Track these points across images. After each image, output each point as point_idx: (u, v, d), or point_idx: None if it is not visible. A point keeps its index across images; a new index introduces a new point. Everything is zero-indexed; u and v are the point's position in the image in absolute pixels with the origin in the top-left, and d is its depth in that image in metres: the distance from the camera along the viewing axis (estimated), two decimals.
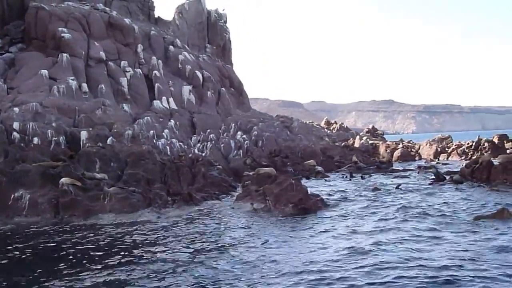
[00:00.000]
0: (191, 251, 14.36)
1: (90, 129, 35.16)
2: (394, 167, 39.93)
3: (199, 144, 44.57)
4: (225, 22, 70.51)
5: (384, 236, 15.62)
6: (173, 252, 14.37)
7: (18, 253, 14.94)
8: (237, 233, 16.85)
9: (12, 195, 20.32)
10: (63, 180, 21.12)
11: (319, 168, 35.78)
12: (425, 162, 46.69)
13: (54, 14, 47.38)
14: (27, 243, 16.16)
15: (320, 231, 16.93)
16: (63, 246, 15.32)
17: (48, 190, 21.02)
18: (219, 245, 15.09)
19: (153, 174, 28.29)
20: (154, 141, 36.94)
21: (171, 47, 56.33)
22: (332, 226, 17.79)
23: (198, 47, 65.24)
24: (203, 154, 40.09)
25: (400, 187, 27.47)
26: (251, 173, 31.54)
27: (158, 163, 29.29)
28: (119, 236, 16.76)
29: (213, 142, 44.29)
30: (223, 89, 58.60)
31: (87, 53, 47.13)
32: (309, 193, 21.69)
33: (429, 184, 28.54)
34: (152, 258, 13.70)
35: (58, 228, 18.38)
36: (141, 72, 50.28)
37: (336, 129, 73.96)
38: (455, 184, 27.37)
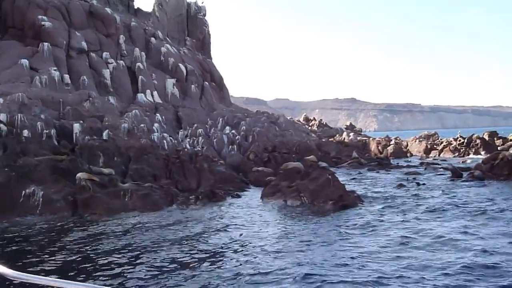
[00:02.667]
0: (261, 257, 12.44)
1: (81, 121, 33.06)
2: (395, 164, 38.97)
3: (188, 139, 42.87)
4: (204, 15, 68.60)
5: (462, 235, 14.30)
6: (241, 262, 12.10)
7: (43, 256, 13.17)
8: (290, 233, 15.08)
9: (23, 192, 18.05)
10: (80, 175, 19.06)
11: (324, 164, 34.38)
12: (419, 159, 46.09)
13: (32, 1, 44.82)
14: (51, 246, 14.28)
15: (375, 226, 15.54)
16: (92, 254, 13.08)
17: (62, 186, 18.91)
18: (285, 247, 13.25)
19: (157, 169, 26.55)
20: (153, 135, 34.99)
21: (152, 39, 54.19)
22: (382, 221, 16.48)
23: (178, 40, 63.29)
24: (195, 149, 38.36)
25: (422, 183, 26.38)
26: (259, 169, 30.14)
27: (161, 158, 27.53)
28: (157, 239, 14.49)
29: (202, 137, 42.57)
30: (206, 83, 56.84)
31: (68, 43, 44.75)
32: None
33: (450, 180, 27.58)
34: (213, 266, 12.03)
35: (79, 228, 16.44)
36: (123, 64, 48.18)
37: (315, 125, 73.02)
38: (477, 180, 26.50)
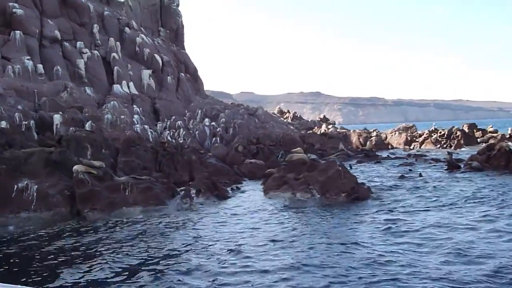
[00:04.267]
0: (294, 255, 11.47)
1: (61, 113, 31.59)
2: (382, 156, 38.51)
3: (168, 131, 41.66)
4: (178, 5, 66.98)
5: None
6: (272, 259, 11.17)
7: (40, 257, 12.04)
8: (311, 227, 14.21)
9: (15, 186, 16.67)
10: (77, 167, 17.74)
11: (313, 156, 33.65)
12: (404, 151, 45.86)
13: None
14: (50, 245, 13.07)
15: (399, 219, 14.85)
16: (106, 258, 11.60)
17: (57, 179, 17.55)
18: (310, 242, 12.38)
19: (146, 162, 25.40)
20: (134, 127, 33.68)
21: (126, 29, 52.51)
22: (406, 213, 15.85)
23: (152, 31, 61.63)
24: (180, 142, 37.22)
25: (421, 175, 25.88)
26: (252, 161, 29.30)
27: (149, 150, 26.36)
28: (174, 238, 13.46)
29: (182, 129, 41.42)
30: (182, 74, 55.57)
31: (40, 31, 42.95)
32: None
33: (448, 171, 27.17)
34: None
35: (81, 226, 15.20)
36: (98, 54, 46.57)
37: (290, 118, 72.40)
38: (475, 171, 26.18)
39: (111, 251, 12.32)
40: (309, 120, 71.22)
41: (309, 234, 13.43)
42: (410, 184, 22.97)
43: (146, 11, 62.18)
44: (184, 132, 39.82)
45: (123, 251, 12.30)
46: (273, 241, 12.75)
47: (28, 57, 39.04)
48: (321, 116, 79.52)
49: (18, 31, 39.98)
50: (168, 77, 52.05)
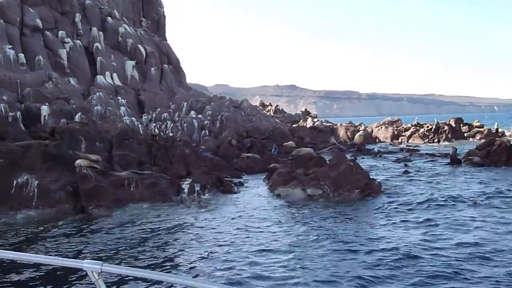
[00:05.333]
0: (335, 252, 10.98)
1: (47, 104, 30.44)
2: (374, 150, 38.09)
3: (154, 124, 40.68)
4: None
5: None
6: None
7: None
8: (330, 226, 13.56)
9: (15, 182, 15.61)
10: (80, 162, 16.75)
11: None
12: (393, 145, 45.58)
13: None
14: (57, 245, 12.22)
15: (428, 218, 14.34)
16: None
17: (58, 174, 16.54)
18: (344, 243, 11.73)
19: (141, 155, 24.55)
20: (123, 119, 32.65)
21: (109, 18, 51.07)
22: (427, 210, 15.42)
23: (133, 21, 60.16)
24: (164, 134, 36.31)
25: (424, 170, 25.49)
26: (249, 155, 28.65)
27: (143, 143, 25.50)
28: (189, 239, 12.60)
29: (169, 121, 40.49)
30: (166, 66, 54.44)
31: (21, 20, 41.48)
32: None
33: (450, 166, 26.82)
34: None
35: (87, 224, 14.26)
36: (80, 44, 45.18)
37: (272, 111, 71.72)
38: (476, 166, 25.87)
39: (125, 250, 11.57)
40: (298, 113, 70.50)
41: (330, 234, 12.81)
42: (417, 179, 22.56)
43: (127, 1, 60.71)
44: (171, 125, 38.89)
45: (139, 250, 11.58)
46: (294, 243, 12.10)
47: (10, 46, 37.70)
48: (302, 110, 78.94)
49: None
50: (152, 69, 50.95)
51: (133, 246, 11.97)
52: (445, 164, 27.78)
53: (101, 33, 47.87)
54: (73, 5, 47.12)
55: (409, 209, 15.62)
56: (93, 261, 2.85)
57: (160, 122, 41.05)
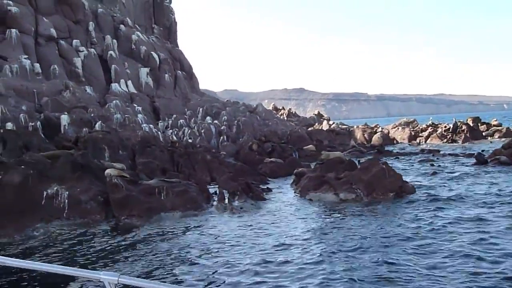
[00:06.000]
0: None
1: (66, 113, 30.29)
2: (394, 151, 37.69)
3: (170, 130, 40.48)
4: (170, 2, 65.64)
5: None
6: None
7: None
8: (375, 231, 13.20)
9: (45, 193, 15.43)
10: (110, 171, 16.55)
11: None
12: (412, 145, 45.16)
13: None
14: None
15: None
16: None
17: (88, 184, 16.33)
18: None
19: (164, 163, 24.31)
20: (142, 126, 32.45)
21: (121, 26, 51.07)
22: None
23: (145, 28, 60.16)
24: (183, 141, 36.10)
25: (452, 171, 25.13)
26: (272, 160, 28.37)
27: (165, 150, 25.28)
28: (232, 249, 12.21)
29: (187, 127, 40.29)
30: (179, 72, 54.32)
31: (36, 29, 41.48)
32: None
33: (476, 166, 26.38)
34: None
35: (121, 234, 14.00)
36: (95, 52, 45.12)
37: (285, 114, 71.46)
38: (504, 165, 25.45)
39: (159, 262, 11.30)
40: (313, 116, 70.11)
41: (372, 241, 12.47)
42: (447, 180, 22.12)
43: (139, 8, 60.71)
44: (189, 131, 38.66)
45: (173, 262, 11.32)
46: (339, 251, 11.77)
47: (26, 56, 37.69)
48: (315, 112, 78.60)
49: (14, 30, 38.53)
50: (166, 75, 50.85)
51: (166, 258, 11.70)
52: (471, 165, 27.32)
53: (114, 41, 47.86)
54: (86, 14, 47.12)
55: (451, 212, 15.23)
56: (110, 272, 2.93)
57: (177, 129, 40.87)
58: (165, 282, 9.91)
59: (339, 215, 15.75)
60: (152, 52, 50.61)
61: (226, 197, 18.24)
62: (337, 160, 20.85)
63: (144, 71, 48.47)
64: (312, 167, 27.21)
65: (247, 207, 17.49)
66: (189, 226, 14.87)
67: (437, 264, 10.16)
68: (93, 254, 12.20)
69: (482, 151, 29.44)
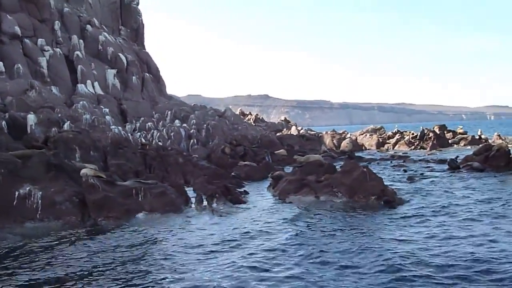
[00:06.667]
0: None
1: (32, 113, 29.25)
2: (366, 157, 37.74)
3: (138, 133, 39.66)
4: (138, 3, 64.59)
5: None
6: None
7: None
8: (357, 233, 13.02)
9: (16, 193, 14.62)
10: (86, 171, 15.82)
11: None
12: (380, 152, 45.40)
13: None
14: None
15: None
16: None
17: (63, 184, 15.61)
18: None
19: (136, 165, 23.65)
20: (112, 128, 31.62)
21: (88, 26, 49.91)
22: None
23: (112, 29, 59.02)
24: (151, 143, 35.37)
25: (427, 176, 25.21)
26: (246, 163, 27.99)
27: (137, 152, 24.60)
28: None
29: (156, 130, 39.55)
30: (147, 74, 53.45)
31: None
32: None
33: (450, 172, 26.56)
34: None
35: (93, 236, 13.32)
36: (61, 52, 43.98)
37: (252, 119, 71.13)
38: (476, 171, 25.67)
39: (139, 265, 10.78)
40: (281, 122, 70.04)
41: (355, 244, 12.21)
42: (424, 185, 22.12)
43: (106, 9, 59.52)
44: (158, 134, 37.94)
45: (154, 264, 10.82)
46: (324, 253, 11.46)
47: None
48: (282, 118, 78.58)
49: None
50: (133, 77, 49.94)
51: (149, 260, 11.18)
52: (444, 170, 27.51)
53: (81, 41, 46.76)
54: (52, 13, 45.94)
55: (434, 216, 15.10)
56: None
57: (145, 132, 40.08)
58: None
59: (321, 218, 15.41)
60: (119, 54, 49.66)
61: (204, 200, 17.71)
62: (316, 163, 20.60)
63: (111, 72, 47.51)
64: (286, 171, 27.01)
65: (227, 209, 17.00)
66: (170, 229, 14.28)
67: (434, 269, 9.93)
68: (70, 259, 11.51)
69: (456, 157, 29.74)
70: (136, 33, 63.67)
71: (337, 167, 22.13)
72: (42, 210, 14.59)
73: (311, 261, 10.78)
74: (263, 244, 12.39)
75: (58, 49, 43.73)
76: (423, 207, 16.79)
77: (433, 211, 16.02)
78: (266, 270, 10.16)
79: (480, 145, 32.06)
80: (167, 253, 11.73)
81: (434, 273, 9.57)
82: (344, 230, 13.63)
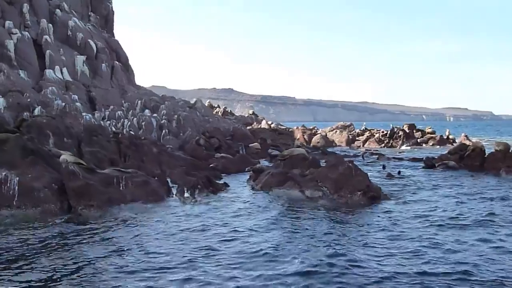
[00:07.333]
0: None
1: (0, 96, 28.27)
2: (339, 154, 37.69)
3: (107, 121, 38.78)
4: None
5: None
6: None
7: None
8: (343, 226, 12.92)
9: None
10: (65, 157, 15.16)
11: (276, 152, 32.35)
12: (351, 149, 45.61)
13: None
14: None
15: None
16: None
17: (41, 170, 14.92)
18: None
19: (111, 153, 23.03)
20: (83, 114, 30.79)
21: (57, 11, 48.54)
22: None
23: (82, 15, 57.59)
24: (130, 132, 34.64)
25: (400, 173, 25.39)
26: (223, 155, 27.65)
27: (112, 140, 23.99)
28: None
29: (127, 119, 38.77)
30: (117, 62, 52.40)
31: None
32: None
33: (425, 170, 26.82)
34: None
35: (74, 226, 12.86)
36: (29, 36, 42.62)
37: (220, 112, 70.68)
38: (452, 170, 26.02)
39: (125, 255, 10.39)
40: (251, 116, 69.80)
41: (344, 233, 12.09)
42: (406, 183, 22.32)
43: None
44: (129, 123, 37.20)
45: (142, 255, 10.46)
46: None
47: None
48: (250, 112, 78.41)
49: None
50: (103, 65, 48.83)
51: (134, 254, 10.78)
52: (421, 168, 27.80)
53: (50, 25, 45.46)
54: None
55: (423, 212, 15.18)
56: None
57: (114, 120, 39.23)
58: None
59: (308, 214, 15.23)
60: (89, 40, 48.52)
61: (185, 191, 17.32)
62: (300, 157, 20.41)
63: (80, 59, 46.35)
64: (262, 164, 26.85)
65: (210, 201, 16.67)
66: (155, 220, 13.86)
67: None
68: (50, 252, 10.98)
69: (433, 159, 30.18)
70: (106, 20, 62.38)
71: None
72: (19, 197, 13.97)
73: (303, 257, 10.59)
74: (252, 238, 12.14)
75: (26, 33, 42.38)
76: (411, 203, 16.91)
77: (419, 207, 16.11)
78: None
79: (456, 145, 32.60)
80: (152, 247, 11.31)
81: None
82: (335, 226, 13.47)
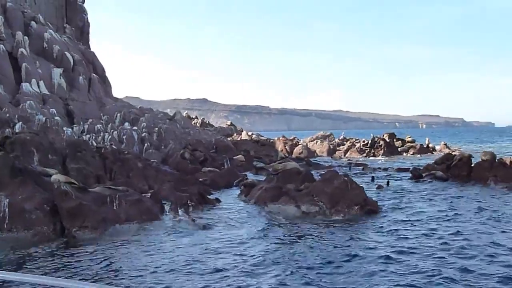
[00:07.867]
0: None
1: None
2: (323, 164, 37.56)
3: (87, 135, 38.03)
4: (83, 1, 62.58)
5: None
6: None
7: None
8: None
9: None
10: (57, 177, 14.55)
11: (261, 164, 32.03)
12: (333, 159, 45.51)
13: None
14: None
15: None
16: None
17: (32, 190, 14.29)
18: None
19: (97, 169, 22.47)
20: (64, 129, 30.07)
21: (33, 23, 47.67)
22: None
23: (57, 27, 56.74)
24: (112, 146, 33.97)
25: (389, 184, 25.23)
26: (210, 169, 27.19)
27: (97, 156, 23.41)
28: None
29: (107, 133, 38.06)
30: (94, 75, 51.63)
31: None
32: None
33: (414, 181, 26.70)
34: None
35: (68, 249, 12.27)
36: (4, 49, 41.75)
37: (198, 123, 70.19)
38: (439, 181, 25.95)
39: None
40: (230, 127, 69.37)
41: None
42: (397, 195, 22.04)
43: (50, 5, 57.26)
44: (109, 137, 36.51)
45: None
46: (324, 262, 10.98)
47: None
48: (228, 123, 78.00)
49: None
50: (80, 77, 48.06)
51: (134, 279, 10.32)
52: (408, 179, 27.72)
53: (26, 38, 44.58)
54: None
55: (422, 227, 14.97)
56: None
57: (94, 134, 38.50)
58: None
59: (307, 229, 14.90)
60: (65, 52, 47.72)
61: (183, 208, 16.85)
62: (293, 171, 20.10)
63: (57, 71, 45.53)
64: (247, 177, 26.49)
65: (205, 218, 16.22)
66: (152, 242, 13.28)
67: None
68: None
69: (419, 169, 30.13)
70: (81, 31, 61.65)
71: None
72: (10, 219, 13.34)
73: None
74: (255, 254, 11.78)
75: (1, 45, 41.51)
76: (404, 216, 16.68)
77: (416, 220, 15.93)
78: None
79: (442, 155, 32.58)
80: (152, 271, 10.84)
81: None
82: (337, 244, 13.16)
